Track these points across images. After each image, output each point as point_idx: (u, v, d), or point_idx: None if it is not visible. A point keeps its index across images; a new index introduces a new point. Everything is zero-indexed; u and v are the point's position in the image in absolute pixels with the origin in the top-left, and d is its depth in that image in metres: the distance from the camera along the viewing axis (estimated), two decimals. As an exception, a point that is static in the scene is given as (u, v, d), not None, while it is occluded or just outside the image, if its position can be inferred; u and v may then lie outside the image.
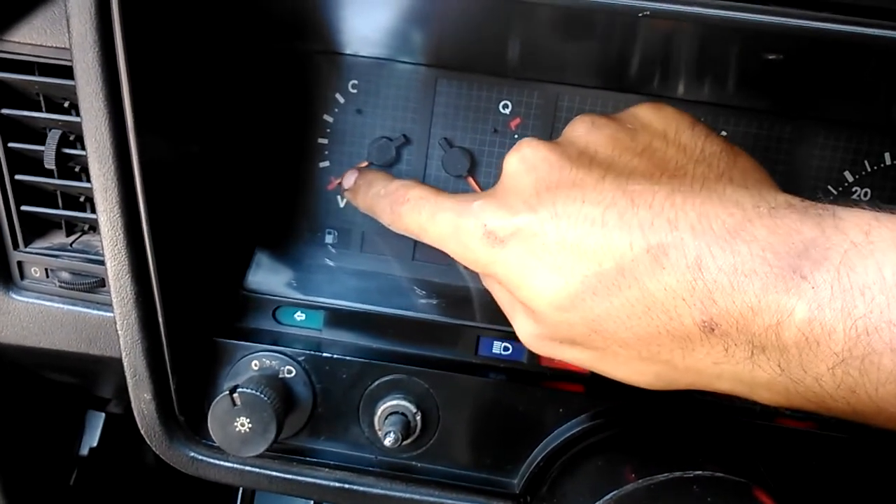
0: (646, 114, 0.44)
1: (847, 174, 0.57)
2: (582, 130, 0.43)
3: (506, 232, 0.40)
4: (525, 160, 0.42)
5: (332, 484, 0.56)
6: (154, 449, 0.56)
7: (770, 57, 0.44)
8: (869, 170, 0.57)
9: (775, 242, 0.34)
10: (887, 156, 0.57)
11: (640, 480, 0.44)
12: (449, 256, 0.60)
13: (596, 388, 0.55)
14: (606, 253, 0.37)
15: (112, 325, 0.53)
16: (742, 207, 0.37)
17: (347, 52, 0.58)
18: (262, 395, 0.50)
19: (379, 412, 0.54)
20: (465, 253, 0.43)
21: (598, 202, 0.38)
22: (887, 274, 0.31)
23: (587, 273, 0.38)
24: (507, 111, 0.58)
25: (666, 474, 0.44)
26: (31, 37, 0.51)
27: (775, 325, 0.33)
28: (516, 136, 0.59)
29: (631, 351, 0.39)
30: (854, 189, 0.58)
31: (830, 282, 0.32)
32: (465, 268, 0.60)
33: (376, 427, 0.54)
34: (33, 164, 0.55)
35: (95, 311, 0.57)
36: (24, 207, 0.56)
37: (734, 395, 0.39)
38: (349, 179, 0.57)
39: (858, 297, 0.31)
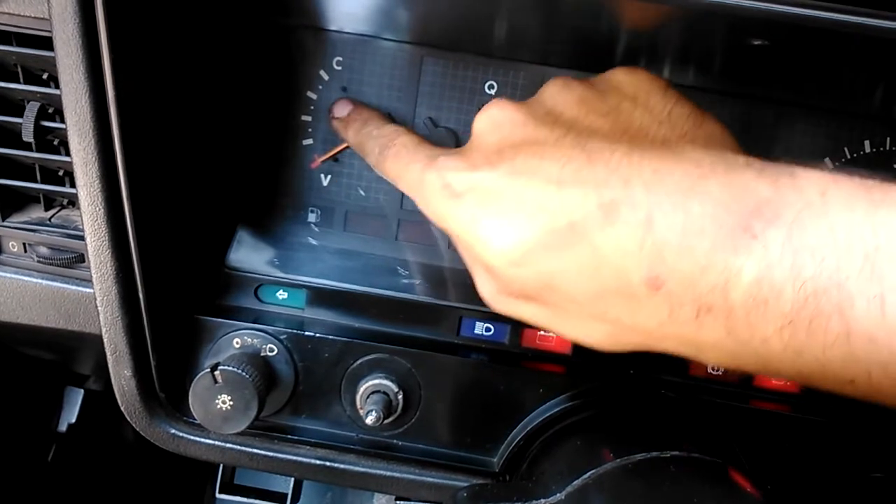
0: (619, 77, 0.44)
1: (827, 161, 0.58)
2: (552, 91, 0.44)
3: (463, 186, 0.41)
4: (492, 119, 0.43)
5: (313, 461, 0.56)
6: (134, 426, 0.56)
7: (755, 42, 0.45)
8: (849, 157, 0.58)
9: (728, 200, 0.34)
10: (867, 143, 0.58)
11: (617, 460, 0.45)
12: (432, 236, 0.60)
13: (576, 369, 0.56)
14: (560, 210, 0.37)
15: (92, 300, 0.53)
16: (699, 165, 0.36)
17: (332, 28, 0.58)
18: (244, 373, 0.50)
19: (361, 391, 0.54)
20: (426, 205, 0.43)
21: (556, 159, 0.38)
22: (839, 236, 0.31)
23: (540, 229, 0.37)
24: (493, 92, 0.58)
25: (643, 454, 0.45)
26: (9, 6, 0.50)
27: (723, 284, 0.33)
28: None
29: (581, 308, 0.38)
30: (834, 176, 0.58)
31: (781, 241, 0.32)
32: (448, 248, 0.60)
33: (358, 406, 0.54)
34: (11, 136, 0.54)
35: (75, 287, 0.57)
36: (1, 181, 0.55)
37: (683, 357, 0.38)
38: (342, 109, 0.56)
39: (808, 257, 0.31)
